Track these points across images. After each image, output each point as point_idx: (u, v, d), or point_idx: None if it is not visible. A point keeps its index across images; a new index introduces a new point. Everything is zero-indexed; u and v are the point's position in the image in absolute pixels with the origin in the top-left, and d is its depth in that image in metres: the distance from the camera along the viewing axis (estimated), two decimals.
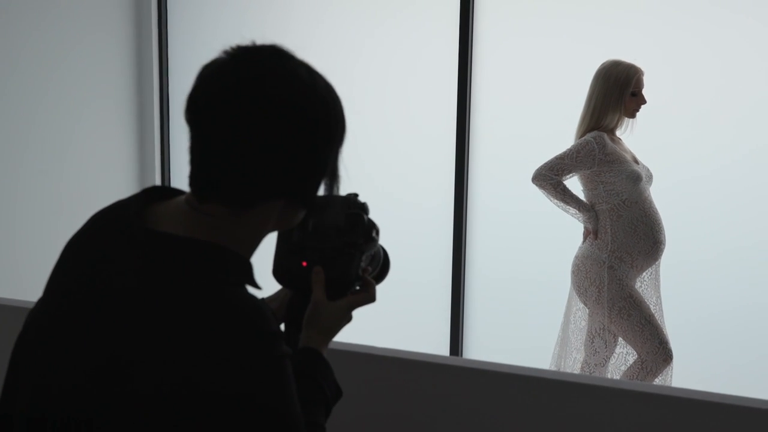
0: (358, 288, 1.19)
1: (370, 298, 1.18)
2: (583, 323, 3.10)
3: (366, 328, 4.06)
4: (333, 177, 1.06)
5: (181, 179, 4.31)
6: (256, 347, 0.90)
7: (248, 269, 1.00)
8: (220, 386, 0.87)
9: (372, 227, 1.17)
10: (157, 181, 4.23)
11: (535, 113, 3.66)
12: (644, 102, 2.95)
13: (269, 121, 0.95)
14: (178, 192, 1.08)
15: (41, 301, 1.03)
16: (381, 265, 1.26)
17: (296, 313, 1.18)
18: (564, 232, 3.63)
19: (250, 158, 0.95)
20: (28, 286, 3.55)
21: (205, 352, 0.88)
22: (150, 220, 1.00)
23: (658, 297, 3.04)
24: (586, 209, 2.96)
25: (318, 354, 1.12)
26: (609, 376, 3.09)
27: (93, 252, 0.99)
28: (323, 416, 1.09)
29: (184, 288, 0.92)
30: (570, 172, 2.93)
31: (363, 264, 1.18)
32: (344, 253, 1.15)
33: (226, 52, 0.99)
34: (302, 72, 0.98)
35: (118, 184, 4.06)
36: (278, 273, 1.17)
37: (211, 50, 4.17)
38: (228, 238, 0.99)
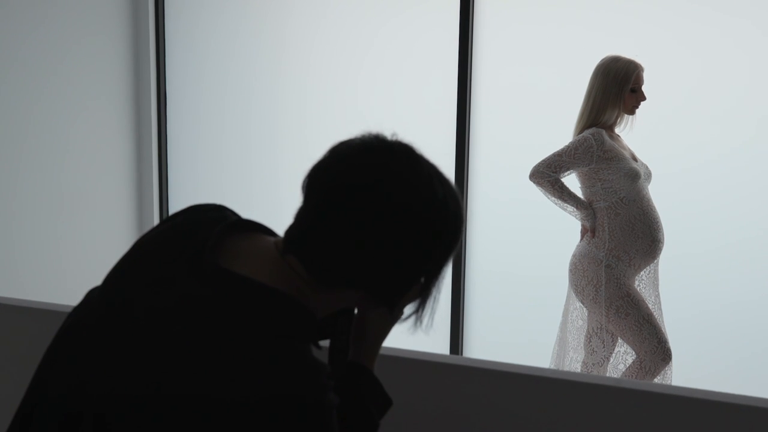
0: None
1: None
2: (581, 322, 3.09)
3: None
4: (426, 294, 1.04)
5: (178, 179, 4.29)
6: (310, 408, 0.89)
7: (316, 330, 0.98)
8: None
9: None
10: (155, 181, 4.22)
11: (535, 109, 3.65)
12: (644, 98, 2.93)
13: (385, 224, 0.94)
14: (261, 227, 1.06)
15: (97, 299, 1.00)
16: None
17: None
18: (566, 229, 3.62)
19: (350, 251, 0.95)
20: (25, 285, 3.53)
21: (258, 404, 0.87)
22: (224, 256, 0.98)
23: (657, 296, 3.03)
24: (584, 207, 2.94)
25: (366, 372, 1.12)
26: (608, 375, 3.08)
27: (156, 268, 0.97)
28: None
29: (252, 336, 0.90)
30: (568, 169, 2.91)
31: None
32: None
33: (363, 138, 0.98)
34: (435, 183, 0.97)
35: (116, 184, 4.05)
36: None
37: (209, 49, 4.13)
38: (305, 297, 0.99)
